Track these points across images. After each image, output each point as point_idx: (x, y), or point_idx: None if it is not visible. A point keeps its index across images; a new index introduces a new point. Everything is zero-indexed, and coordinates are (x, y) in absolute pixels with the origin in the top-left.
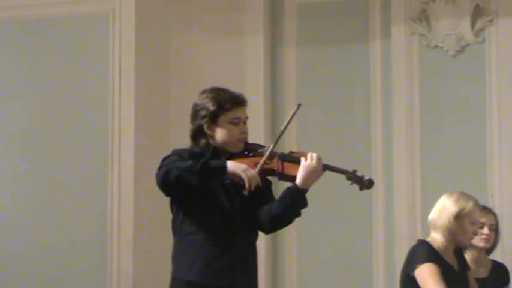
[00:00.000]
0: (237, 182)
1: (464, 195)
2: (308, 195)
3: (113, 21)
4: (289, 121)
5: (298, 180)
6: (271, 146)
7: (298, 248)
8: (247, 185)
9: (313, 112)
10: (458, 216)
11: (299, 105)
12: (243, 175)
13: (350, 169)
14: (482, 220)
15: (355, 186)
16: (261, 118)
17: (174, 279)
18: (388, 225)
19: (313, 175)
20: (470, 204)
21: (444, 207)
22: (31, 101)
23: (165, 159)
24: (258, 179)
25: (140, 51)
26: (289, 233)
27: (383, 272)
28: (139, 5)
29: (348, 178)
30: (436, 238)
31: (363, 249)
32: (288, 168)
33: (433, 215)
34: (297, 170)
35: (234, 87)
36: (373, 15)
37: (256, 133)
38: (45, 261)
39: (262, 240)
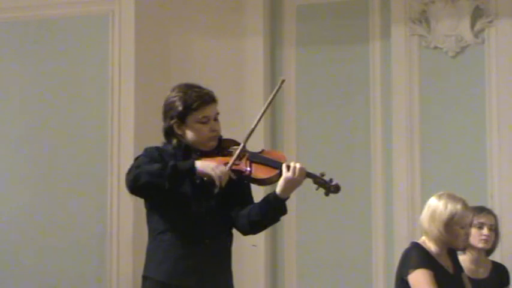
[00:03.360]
0: (207, 181)
1: (452, 198)
2: (308, 196)
3: (112, 22)
4: (264, 111)
5: (278, 190)
6: (241, 146)
7: (298, 249)
8: (217, 183)
9: (312, 113)
10: (448, 225)
11: (283, 81)
12: (213, 173)
13: (318, 172)
14: (482, 220)
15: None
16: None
17: (144, 278)
18: (388, 225)
19: (294, 186)
20: (459, 209)
21: (433, 215)
22: (31, 101)
23: (136, 158)
24: (228, 175)
25: (140, 52)
26: (289, 233)
27: (382, 273)
28: (139, 6)
29: (315, 182)
30: (429, 242)
31: (362, 249)
32: (256, 171)
33: (423, 222)
34: (264, 172)
35: (234, 88)
36: (372, 16)
37: (256, 133)
38: (45, 261)
39: (261, 243)
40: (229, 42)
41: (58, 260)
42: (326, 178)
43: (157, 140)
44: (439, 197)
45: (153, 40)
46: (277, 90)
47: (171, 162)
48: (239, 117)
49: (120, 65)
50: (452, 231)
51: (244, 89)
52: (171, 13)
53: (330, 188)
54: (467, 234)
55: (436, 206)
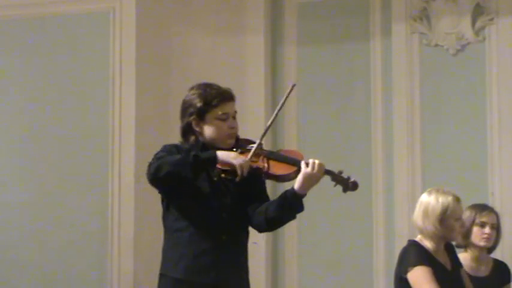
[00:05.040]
0: (227, 172)
1: (442, 192)
2: (308, 195)
3: (113, 19)
4: (280, 107)
5: (296, 186)
6: (257, 142)
7: (299, 247)
8: (239, 172)
9: (313, 111)
10: (443, 219)
11: (293, 86)
12: (234, 162)
13: (337, 170)
14: (484, 219)
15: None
16: (262, 117)
17: (161, 276)
18: (388, 225)
19: (312, 182)
20: (450, 201)
21: (426, 211)
22: (31, 100)
23: (156, 154)
24: (249, 166)
25: (141, 50)
26: (290, 232)
27: (383, 272)
28: (140, 4)
29: (333, 179)
30: (425, 240)
31: (363, 249)
32: (274, 168)
33: (417, 220)
34: (282, 169)
35: (235, 86)
36: (373, 14)
37: (257, 132)
38: (45, 261)
39: (262, 240)
40: (230, 40)
41: (59, 259)
42: (344, 175)
43: (158, 137)
44: (429, 193)
45: (154, 38)
46: (289, 93)
47: (192, 153)
48: (240, 115)
49: (121, 63)
50: (447, 225)
51: (245, 87)
52: (172, 11)
53: (348, 185)
54: (463, 226)
55: (428, 202)
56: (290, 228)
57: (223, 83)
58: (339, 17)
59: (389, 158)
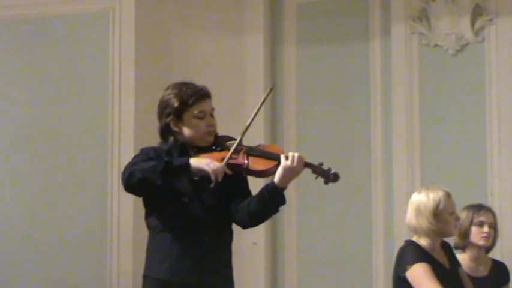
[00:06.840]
0: (203, 177)
1: (431, 189)
2: (308, 195)
3: (113, 20)
4: (257, 110)
5: (276, 179)
6: (238, 140)
7: (298, 248)
8: (212, 178)
9: (312, 111)
10: (437, 214)
11: (271, 89)
12: (207, 168)
13: (317, 162)
14: (482, 219)
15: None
16: (261, 117)
17: (145, 277)
18: (388, 223)
19: (292, 175)
20: (442, 196)
21: (419, 209)
22: (30, 99)
23: (134, 158)
24: (224, 171)
25: (140, 50)
26: (289, 232)
27: (382, 272)
28: (139, 4)
29: (314, 172)
30: (421, 239)
31: (362, 249)
32: (254, 164)
33: (410, 220)
34: (263, 164)
35: (234, 86)
36: (373, 14)
37: (256, 132)
38: (44, 261)
39: (261, 240)
40: (229, 40)
41: (58, 260)
42: (325, 167)
43: (157, 138)
44: (419, 192)
45: (153, 38)
46: (266, 97)
47: (166, 159)
48: (239, 115)
49: (120, 63)
50: (442, 219)
51: (244, 87)
52: (171, 11)
53: (329, 176)
54: (457, 219)
55: (419, 200)
56: (289, 229)
57: (223, 82)
58: (339, 17)
59: (389, 157)
